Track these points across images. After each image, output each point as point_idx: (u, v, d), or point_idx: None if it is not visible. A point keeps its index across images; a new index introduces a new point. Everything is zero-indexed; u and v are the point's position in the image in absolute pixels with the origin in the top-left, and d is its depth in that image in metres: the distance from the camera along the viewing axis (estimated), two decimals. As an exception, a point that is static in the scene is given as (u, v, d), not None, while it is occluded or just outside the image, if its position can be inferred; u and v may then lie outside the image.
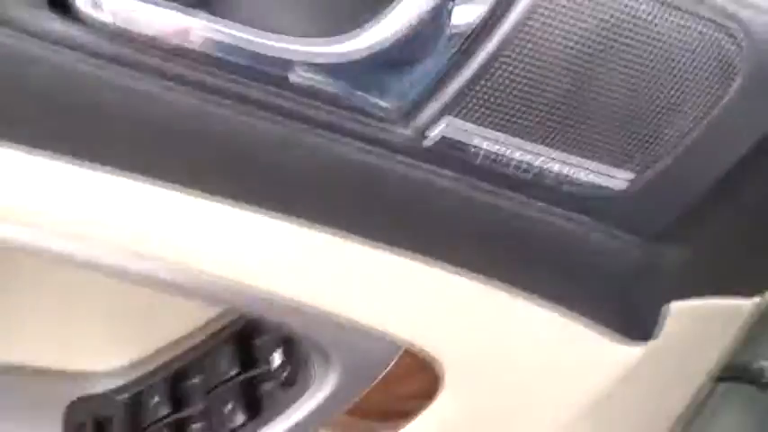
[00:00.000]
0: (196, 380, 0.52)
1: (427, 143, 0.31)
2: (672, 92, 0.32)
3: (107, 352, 0.56)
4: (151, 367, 0.55)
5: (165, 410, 0.51)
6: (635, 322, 0.42)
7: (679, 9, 0.30)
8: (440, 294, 0.38)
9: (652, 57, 0.31)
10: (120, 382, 0.55)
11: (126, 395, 0.54)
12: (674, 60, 0.32)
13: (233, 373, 0.49)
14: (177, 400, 0.52)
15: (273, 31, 0.29)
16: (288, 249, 0.34)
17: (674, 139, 0.33)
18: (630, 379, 0.45)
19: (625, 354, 0.43)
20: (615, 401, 0.47)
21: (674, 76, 0.32)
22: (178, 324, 0.55)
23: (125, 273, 0.35)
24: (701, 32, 0.31)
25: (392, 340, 0.39)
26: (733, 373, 0.58)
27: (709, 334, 0.51)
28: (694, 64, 0.32)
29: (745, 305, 0.49)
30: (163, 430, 0.51)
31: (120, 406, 0.54)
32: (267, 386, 0.46)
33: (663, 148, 0.33)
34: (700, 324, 0.48)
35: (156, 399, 0.52)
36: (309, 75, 0.29)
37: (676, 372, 0.53)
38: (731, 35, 0.32)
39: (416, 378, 0.44)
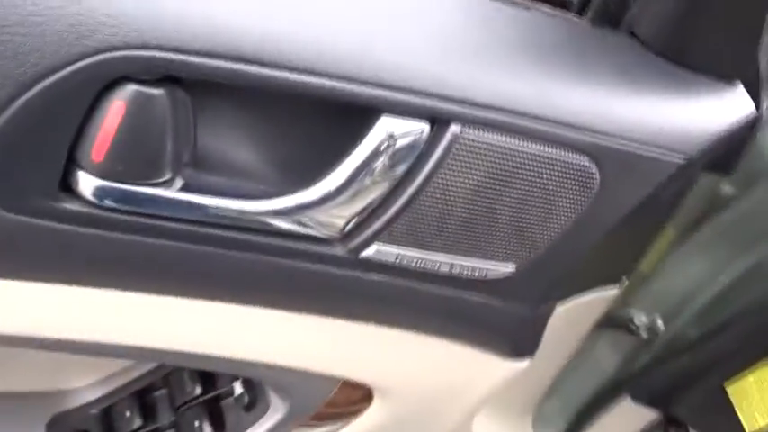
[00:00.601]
0: (164, 395, 0.61)
1: (360, 258, 0.41)
2: (548, 205, 0.43)
3: (79, 371, 0.63)
4: (122, 382, 0.63)
5: (137, 423, 0.60)
6: (523, 346, 0.55)
7: (548, 143, 0.41)
8: (365, 341, 0.49)
9: (531, 186, 0.42)
10: (93, 396, 0.63)
11: (99, 408, 0.63)
12: (548, 185, 0.42)
13: (197, 392, 0.58)
14: (148, 413, 0.61)
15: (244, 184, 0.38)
16: (243, 324, 0.44)
17: (549, 236, 0.45)
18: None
19: (515, 366, 0.56)
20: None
21: (549, 195, 0.43)
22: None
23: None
24: (566, 162, 0.42)
25: (332, 376, 0.50)
26: (608, 321, 0.74)
27: (586, 316, 0.65)
28: (564, 184, 0.43)
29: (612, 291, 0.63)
30: None
31: (95, 419, 0.62)
32: (229, 406, 0.56)
33: (539, 245, 0.45)
34: (577, 313, 0.61)
35: (128, 413, 0.61)
36: (270, 221, 0.38)
37: (556, 349, 0.66)
38: (590, 156, 0.43)
39: (354, 392, 0.56)
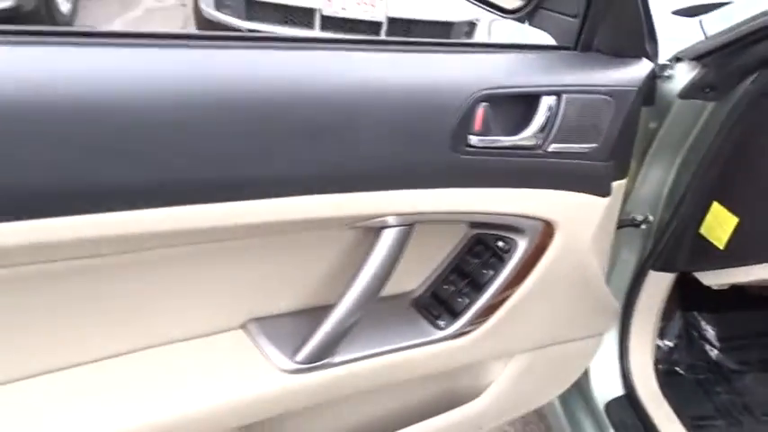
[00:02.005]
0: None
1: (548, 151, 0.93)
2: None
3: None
4: None
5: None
6: (606, 189, 0.97)
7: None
8: (552, 197, 0.92)
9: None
10: None
11: None
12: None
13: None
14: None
15: None
16: None
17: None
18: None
19: (605, 200, 0.96)
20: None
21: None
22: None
23: None
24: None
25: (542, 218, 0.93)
26: (620, 224, 1.23)
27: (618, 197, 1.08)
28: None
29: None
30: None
31: None
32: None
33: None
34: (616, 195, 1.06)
35: None
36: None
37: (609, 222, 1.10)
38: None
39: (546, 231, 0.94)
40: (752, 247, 1.18)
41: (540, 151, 0.83)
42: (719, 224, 1.22)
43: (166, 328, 0.75)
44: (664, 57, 1.15)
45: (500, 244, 0.90)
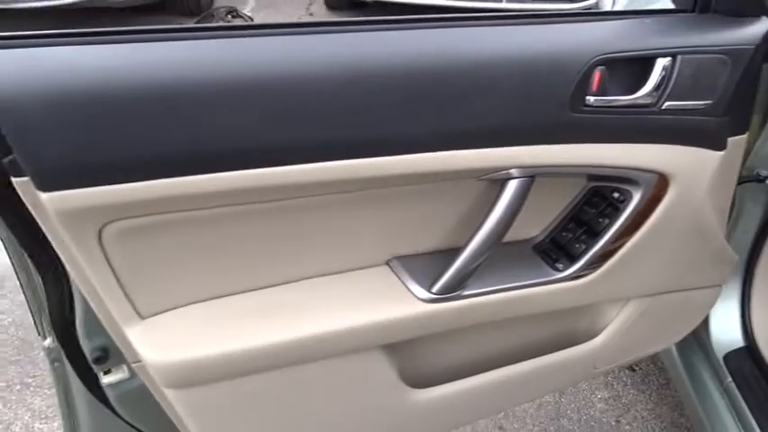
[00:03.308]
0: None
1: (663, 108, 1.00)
2: None
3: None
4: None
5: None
6: (721, 143, 0.99)
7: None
8: (667, 150, 0.99)
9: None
10: None
11: None
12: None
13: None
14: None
15: None
16: None
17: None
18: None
19: (719, 153, 0.97)
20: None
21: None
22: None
23: None
24: None
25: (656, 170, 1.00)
26: (744, 179, 1.25)
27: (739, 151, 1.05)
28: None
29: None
30: None
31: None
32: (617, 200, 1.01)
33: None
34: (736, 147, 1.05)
35: None
36: None
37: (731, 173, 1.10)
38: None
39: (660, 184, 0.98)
40: None
41: (655, 108, 0.90)
42: None
43: (327, 263, 0.92)
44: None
45: (616, 195, 0.99)
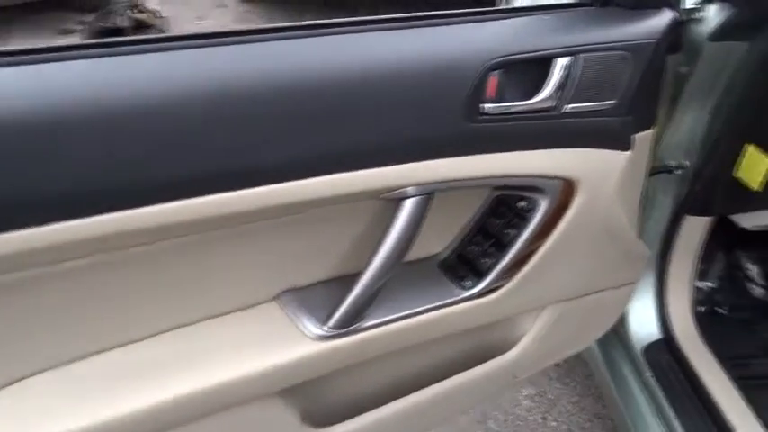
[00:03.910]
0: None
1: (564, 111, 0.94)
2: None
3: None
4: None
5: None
6: (627, 143, 0.94)
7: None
8: (570, 155, 0.93)
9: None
10: None
11: None
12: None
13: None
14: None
15: None
16: None
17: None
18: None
19: (626, 154, 0.93)
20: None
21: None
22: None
23: None
24: None
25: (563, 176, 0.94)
26: (654, 170, 1.23)
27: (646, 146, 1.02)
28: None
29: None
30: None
31: None
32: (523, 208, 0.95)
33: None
34: (642, 144, 1.02)
35: None
36: None
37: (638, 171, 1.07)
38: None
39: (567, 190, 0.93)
40: (788, 189, 1.17)
41: (557, 112, 0.85)
42: (754, 166, 1.21)
43: (205, 306, 0.82)
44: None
45: (522, 204, 0.93)
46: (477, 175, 0.83)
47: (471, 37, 0.81)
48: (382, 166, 0.75)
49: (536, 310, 1.08)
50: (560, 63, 0.84)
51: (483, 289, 0.94)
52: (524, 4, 0.92)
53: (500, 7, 0.84)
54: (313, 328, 0.83)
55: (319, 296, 0.86)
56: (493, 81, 0.79)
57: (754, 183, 1.21)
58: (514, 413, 1.70)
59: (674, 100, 1.22)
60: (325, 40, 0.74)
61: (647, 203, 1.36)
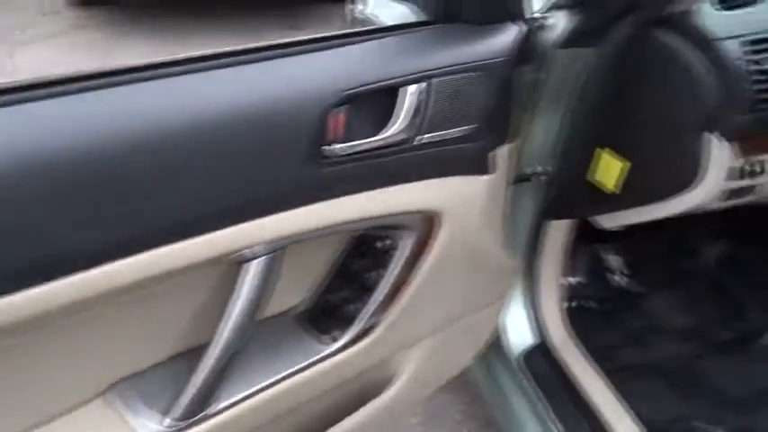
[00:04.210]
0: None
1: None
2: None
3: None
4: None
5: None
6: (485, 167, 0.91)
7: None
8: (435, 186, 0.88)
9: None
10: None
11: None
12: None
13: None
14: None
15: None
16: None
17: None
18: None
19: (486, 178, 0.89)
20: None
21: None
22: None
23: None
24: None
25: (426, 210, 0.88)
26: (516, 179, 1.20)
27: (506, 159, 1.00)
28: None
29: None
30: None
31: None
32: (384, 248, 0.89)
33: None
34: (503, 157, 0.96)
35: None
36: None
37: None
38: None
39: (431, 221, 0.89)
40: (641, 189, 1.19)
41: (411, 145, 0.78)
42: (608, 169, 1.22)
43: (19, 417, 0.67)
44: (540, 6, 1.11)
45: (385, 243, 0.86)
46: (329, 223, 0.75)
47: (308, 72, 0.72)
48: (219, 229, 0.65)
49: (410, 346, 1.02)
50: (410, 91, 0.77)
51: (352, 338, 0.86)
52: (370, 27, 0.84)
53: (335, 33, 0.75)
54: (151, 424, 0.70)
55: (158, 382, 0.74)
56: (336, 119, 0.71)
57: (610, 185, 1.22)
58: (402, 432, 1.66)
59: (532, 107, 1.20)
60: (135, 87, 0.62)
61: (511, 211, 1.34)
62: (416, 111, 0.77)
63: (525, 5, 0.99)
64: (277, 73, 0.71)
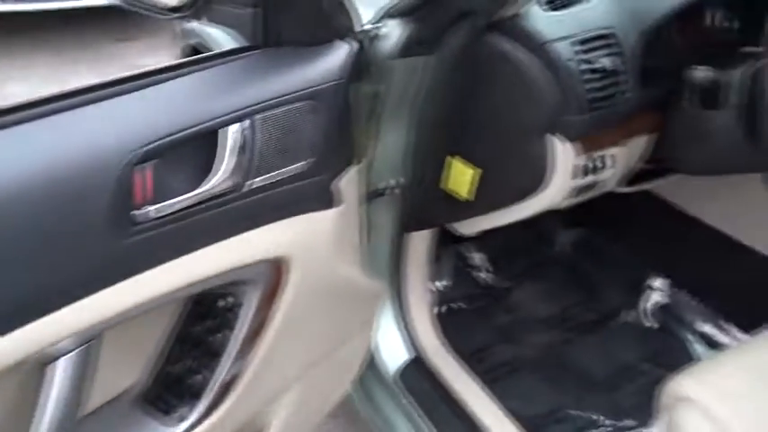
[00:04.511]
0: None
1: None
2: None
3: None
4: None
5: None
6: (330, 201, 0.84)
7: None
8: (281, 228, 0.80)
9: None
10: None
11: None
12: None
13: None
14: None
15: None
16: None
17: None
18: None
19: (332, 212, 0.82)
20: None
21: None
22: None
23: None
24: None
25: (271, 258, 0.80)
26: (371, 195, 1.16)
27: (353, 182, 0.92)
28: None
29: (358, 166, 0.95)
30: None
31: None
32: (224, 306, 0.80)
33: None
34: (349, 181, 0.89)
35: None
36: None
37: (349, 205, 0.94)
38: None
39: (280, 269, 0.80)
40: (494, 194, 1.18)
41: (241, 192, 0.70)
42: (460, 177, 1.20)
43: None
44: (371, 17, 1.06)
45: (227, 301, 0.77)
46: (152, 296, 0.65)
47: (105, 124, 0.61)
48: (11, 330, 0.53)
49: (276, 397, 0.94)
50: (231, 131, 0.68)
51: (202, 412, 0.77)
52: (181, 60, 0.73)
53: (138, 72, 0.64)
54: None
55: None
56: (143, 177, 0.61)
57: (463, 192, 1.20)
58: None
59: (376, 122, 1.15)
60: None
61: (370, 229, 1.29)
62: (241, 153, 0.69)
63: (354, 19, 0.93)
64: (72, 127, 0.59)
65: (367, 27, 1.01)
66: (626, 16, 1.09)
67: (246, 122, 0.69)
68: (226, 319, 0.77)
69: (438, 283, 1.63)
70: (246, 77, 0.74)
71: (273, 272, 0.78)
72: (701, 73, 1.07)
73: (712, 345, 1.50)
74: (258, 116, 0.71)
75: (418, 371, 1.35)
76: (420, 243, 1.38)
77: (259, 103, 0.71)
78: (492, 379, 1.40)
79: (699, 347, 1.52)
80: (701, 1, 1.16)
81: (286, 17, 0.78)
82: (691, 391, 0.86)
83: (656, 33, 1.10)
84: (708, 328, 1.53)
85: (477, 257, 1.73)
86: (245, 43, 0.82)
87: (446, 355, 1.38)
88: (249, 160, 0.69)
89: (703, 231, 1.55)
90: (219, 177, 0.67)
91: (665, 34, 1.14)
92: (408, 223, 1.27)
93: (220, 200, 0.68)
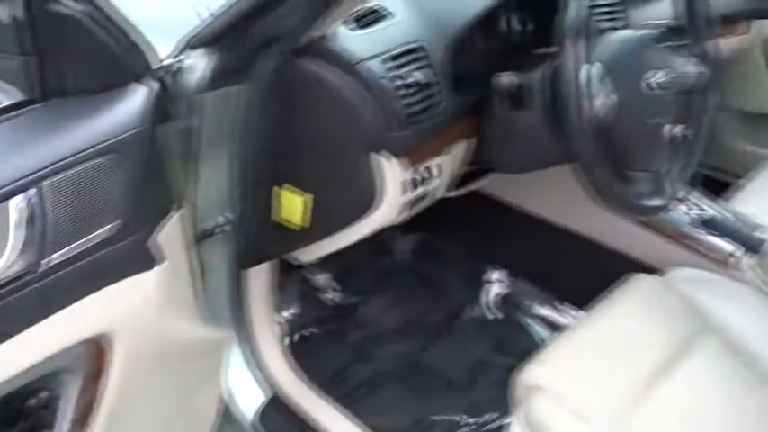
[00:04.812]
0: None
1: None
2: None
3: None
4: None
5: None
6: (150, 261, 0.78)
7: None
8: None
9: None
10: None
11: None
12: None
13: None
14: None
15: None
16: None
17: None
18: None
19: (153, 273, 0.75)
20: None
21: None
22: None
23: None
24: None
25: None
26: (199, 238, 1.07)
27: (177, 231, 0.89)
28: None
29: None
30: None
31: None
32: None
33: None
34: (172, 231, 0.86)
35: None
36: None
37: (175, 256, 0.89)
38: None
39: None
40: (328, 219, 1.16)
41: (37, 273, 0.60)
42: (291, 205, 1.16)
43: None
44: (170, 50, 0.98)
45: (40, 397, 0.67)
46: None
47: None
48: None
49: None
50: (14, 205, 0.59)
51: None
52: None
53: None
54: None
55: None
56: None
57: (296, 221, 1.16)
58: None
59: (194, 162, 1.07)
60: None
61: (205, 273, 1.21)
62: (30, 227, 0.59)
63: (150, 55, 0.85)
64: None
65: (167, 62, 0.93)
66: (431, 29, 1.11)
67: (32, 191, 0.60)
68: (41, 419, 0.66)
69: (286, 313, 1.58)
70: (26, 139, 0.64)
71: (94, 352, 0.69)
72: (506, 79, 1.12)
73: (553, 326, 1.59)
74: (46, 182, 0.61)
75: (277, 410, 1.29)
76: (260, 276, 1.32)
77: (45, 167, 0.62)
78: (352, 400, 1.38)
79: (541, 330, 1.60)
80: (496, 7, 1.22)
81: (66, 64, 0.69)
82: (541, 379, 0.89)
83: (461, 43, 1.14)
84: (546, 311, 1.62)
85: (322, 278, 1.70)
86: (22, 98, 0.71)
87: (303, 388, 1.34)
88: (42, 234, 0.60)
89: (531, 221, 1.64)
90: (6, 261, 0.57)
91: (470, 43, 1.18)
92: (245, 260, 1.21)
93: (10, 288, 0.58)
